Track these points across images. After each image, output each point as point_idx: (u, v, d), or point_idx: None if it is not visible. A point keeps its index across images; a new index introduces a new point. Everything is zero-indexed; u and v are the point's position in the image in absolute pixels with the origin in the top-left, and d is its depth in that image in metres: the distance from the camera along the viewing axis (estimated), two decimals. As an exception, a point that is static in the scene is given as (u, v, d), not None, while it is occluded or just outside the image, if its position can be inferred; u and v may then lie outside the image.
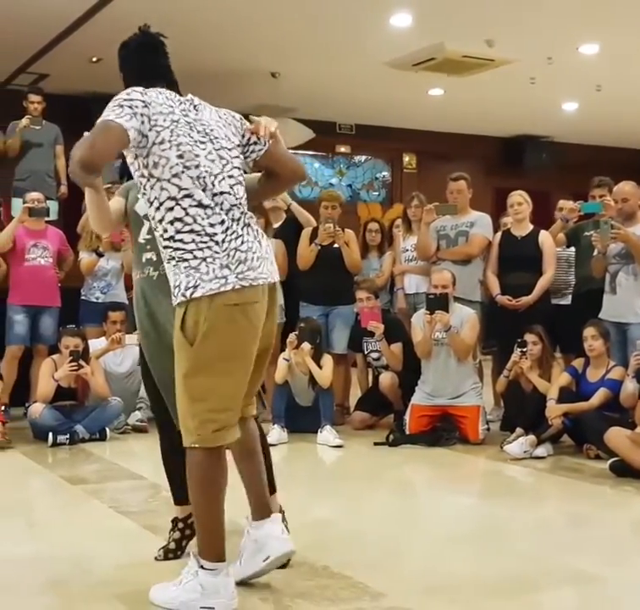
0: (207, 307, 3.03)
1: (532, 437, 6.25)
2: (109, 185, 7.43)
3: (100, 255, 7.77)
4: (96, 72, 10.12)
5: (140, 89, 3.16)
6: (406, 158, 14.64)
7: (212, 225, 3.09)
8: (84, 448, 6.54)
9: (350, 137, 13.87)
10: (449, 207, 7.43)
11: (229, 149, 3.27)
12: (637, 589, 3.61)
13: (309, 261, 7.65)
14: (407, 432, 6.76)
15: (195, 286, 3.04)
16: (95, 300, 7.88)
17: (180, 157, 3.10)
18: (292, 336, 7.01)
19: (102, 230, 3.89)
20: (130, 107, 3.05)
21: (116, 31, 8.87)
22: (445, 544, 4.20)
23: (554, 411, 6.29)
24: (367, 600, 3.33)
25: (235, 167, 3.26)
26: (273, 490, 3.72)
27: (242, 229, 3.16)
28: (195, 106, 3.31)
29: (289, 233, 7.91)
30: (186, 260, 3.08)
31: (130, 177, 3.33)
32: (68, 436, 6.64)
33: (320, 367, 6.95)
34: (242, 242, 3.13)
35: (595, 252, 6.81)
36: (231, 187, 3.20)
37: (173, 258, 3.11)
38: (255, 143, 3.40)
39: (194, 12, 8.53)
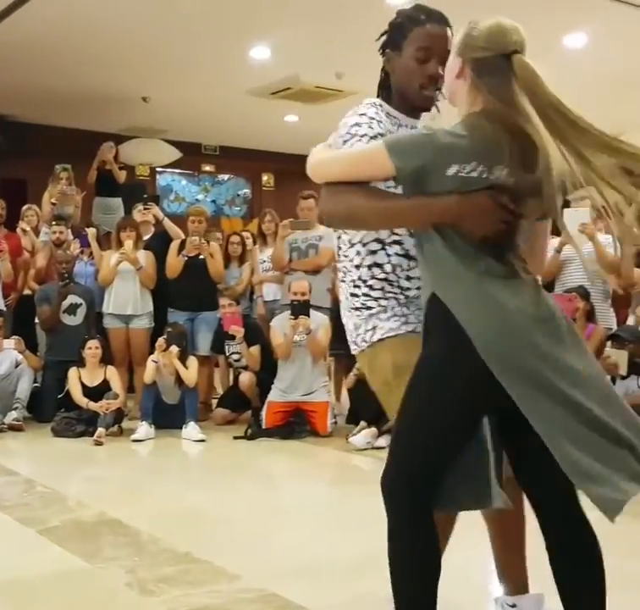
0: None
1: (373, 429, 6.33)
2: None
3: (-22, 265, 7.51)
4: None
5: None
6: (265, 177, 14.63)
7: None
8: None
9: (215, 158, 13.79)
10: (302, 222, 7.45)
11: None
12: (477, 562, 3.69)
13: (177, 270, 7.59)
14: (264, 426, 6.76)
15: None
16: (-27, 307, 7.61)
17: None
18: (161, 340, 6.93)
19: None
20: None
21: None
22: (301, 529, 4.21)
23: (394, 406, 6.39)
24: (224, 582, 3.31)
25: None
26: None
27: None
28: None
29: (158, 245, 7.85)
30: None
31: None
32: (-54, 435, 6.40)
33: (186, 367, 6.88)
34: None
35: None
36: None
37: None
38: None
39: (74, 40, 8.32)
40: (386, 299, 2.55)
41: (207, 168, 14.04)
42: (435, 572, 2.22)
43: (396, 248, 2.53)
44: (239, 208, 14.70)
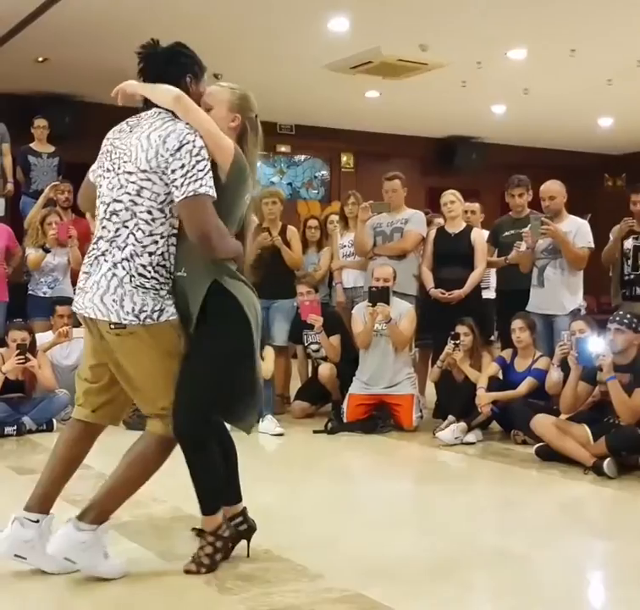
0: None
1: (462, 424, 6.30)
2: None
3: (47, 251, 7.65)
4: (42, 72, 9.98)
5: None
6: (344, 158, 14.65)
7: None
8: (31, 439, 6.46)
9: (290, 137, 13.83)
10: (383, 204, 7.44)
11: (130, 173, 3.27)
12: (560, 567, 3.65)
13: (249, 259, 7.59)
14: (345, 420, 6.78)
15: None
16: (42, 295, 7.76)
17: (99, 186, 3.46)
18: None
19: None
20: None
21: (61, 32, 8.92)
22: (382, 527, 4.22)
23: (484, 399, 6.35)
24: (306, 581, 3.34)
25: (127, 192, 3.28)
26: None
27: (90, 262, 3.37)
28: (131, 127, 3.41)
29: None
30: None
31: None
32: (15, 428, 6.54)
33: (262, 358, 6.92)
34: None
35: (523, 248, 6.86)
36: (112, 214, 3.32)
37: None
38: (175, 187, 3.22)
39: (140, 14, 8.42)
40: (168, 284, 3.32)
41: (283, 148, 14.09)
42: None
43: (173, 240, 3.32)
44: (316, 191, 14.73)
